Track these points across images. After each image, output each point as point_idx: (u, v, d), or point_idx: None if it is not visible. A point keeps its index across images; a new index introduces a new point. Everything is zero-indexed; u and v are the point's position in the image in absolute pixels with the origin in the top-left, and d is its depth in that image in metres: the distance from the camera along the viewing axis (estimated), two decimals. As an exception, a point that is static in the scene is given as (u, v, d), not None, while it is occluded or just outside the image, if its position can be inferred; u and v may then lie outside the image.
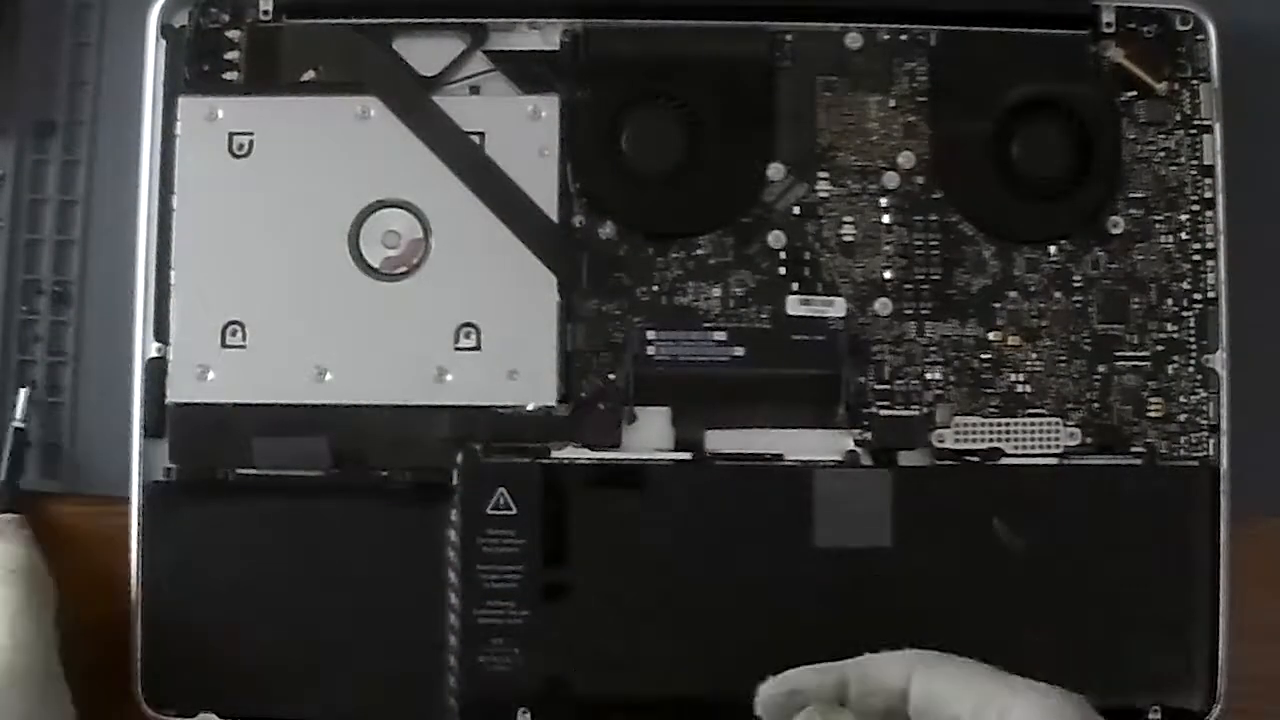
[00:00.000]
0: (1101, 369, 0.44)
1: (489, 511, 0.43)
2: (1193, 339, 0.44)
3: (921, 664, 0.36)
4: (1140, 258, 0.44)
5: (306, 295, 0.44)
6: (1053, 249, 0.44)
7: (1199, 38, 0.45)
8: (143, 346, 0.44)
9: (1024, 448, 0.44)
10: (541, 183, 0.44)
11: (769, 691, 0.37)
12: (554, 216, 0.44)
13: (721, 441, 0.44)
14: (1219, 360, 0.44)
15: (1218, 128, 0.44)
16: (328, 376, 0.43)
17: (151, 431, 0.43)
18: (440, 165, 0.44)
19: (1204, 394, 0.44)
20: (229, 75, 0.44)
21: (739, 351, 0.44)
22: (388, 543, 0.43)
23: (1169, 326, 0.44)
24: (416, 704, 0.43)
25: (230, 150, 0.44)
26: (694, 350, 0.44)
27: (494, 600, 0.42)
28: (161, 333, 0.44)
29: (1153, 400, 0.44)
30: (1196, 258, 0.44)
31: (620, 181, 0.44)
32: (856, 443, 0.44)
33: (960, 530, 0.43)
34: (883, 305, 0.44)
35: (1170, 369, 0.44)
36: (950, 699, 0.35)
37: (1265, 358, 0.46)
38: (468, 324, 0.44)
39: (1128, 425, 0.44)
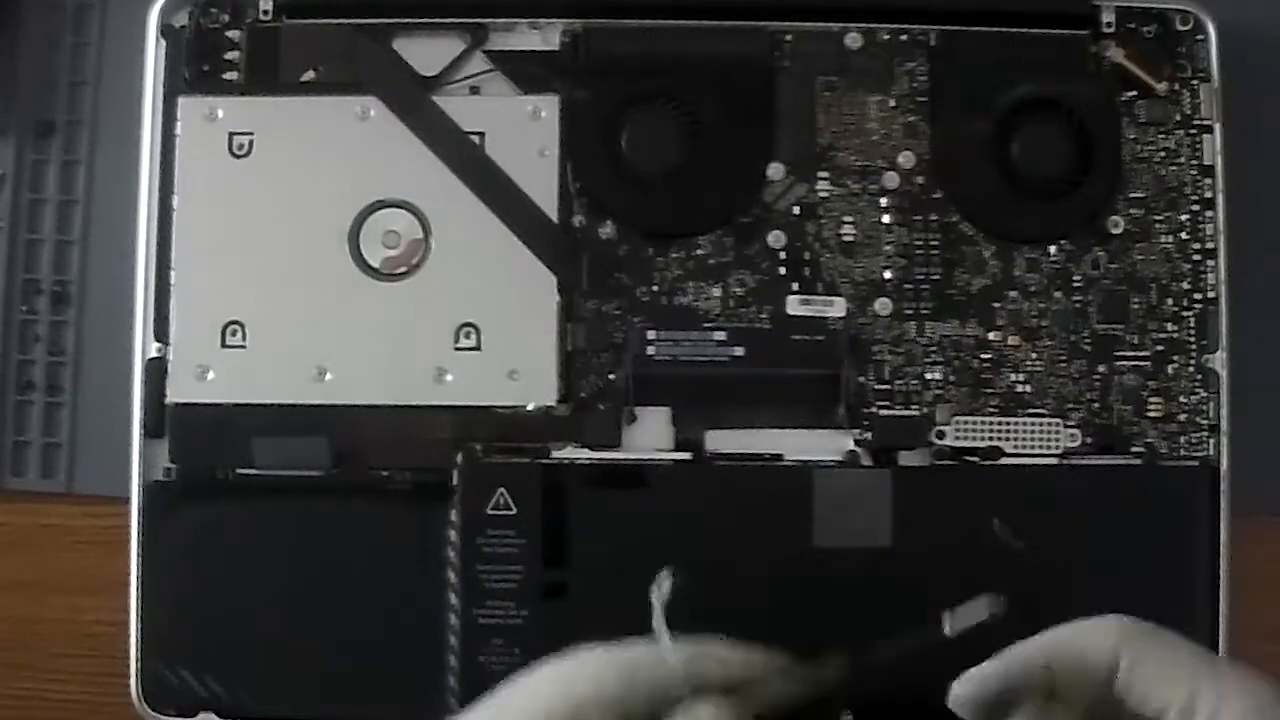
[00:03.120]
0: (1101, 369, 0.44)
1: (489, 511, 0.43)
2: (1193, 339, 0.44)
3: (1128, 640, 0.33)
4: (1140, 258, 0.44)
5: (306, 295, 0.44)
6: (1053, 249, 0.44)
7: (1199, 38, 0.45)
8: (143, 346, 0.44)
9: (1024, 448, 0.44)
10: (541, 183, 0.44)
11: (975, 692, 0.34)
12: (554, 216, 0.44)
13: (721, 441, 0.44)
14: (1219, 360, 0.44)
15: (1218, 128, 0.44)
16: (327, 376, 0.43)
17: (151, 431, 0.43)
18: (440, 165, 0.44)
19: (1204, 394, 0.44)
20: (229, 75, 0.44)
21: (739, 351, 0.44)
22: (388, 543, 0.43)
23: (1169, 326, 0.44)
24: (416, 704, 0.43)
25: (230, 150, 0.44)
26: (694, 350, 0.44)
27: (494, 600, 0.42)
28: (161, 333, 0.44)
29: (1153, 400, 0.44)
30: (1196, 258, 0.44)
31: (620, 181, 0.44)
32: (856, 443, 0.44)
33: (960, 530, 0.43)
34: (883, 305, 0.44)
35: (1170, 369, 0.44)
36: (1161, 684, 0.32)
37: (1265, 358, 0.46)
38: (468, 324, 0.44)
39: (1128, 425, 0.44)
